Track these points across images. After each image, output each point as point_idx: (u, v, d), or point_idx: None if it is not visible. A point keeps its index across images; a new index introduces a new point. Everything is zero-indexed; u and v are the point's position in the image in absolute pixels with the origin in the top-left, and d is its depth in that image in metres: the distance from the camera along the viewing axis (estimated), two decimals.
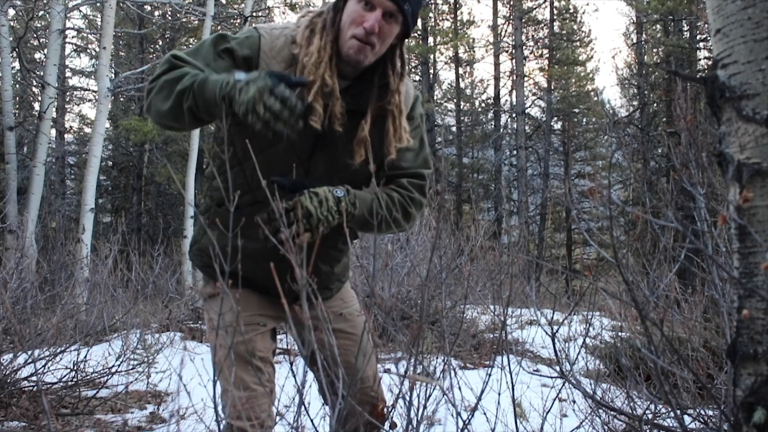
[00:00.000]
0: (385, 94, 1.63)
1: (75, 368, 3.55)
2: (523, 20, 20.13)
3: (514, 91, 19.79)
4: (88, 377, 3.64)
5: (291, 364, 1.56)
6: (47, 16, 10.72)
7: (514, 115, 19.67)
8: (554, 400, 2.07)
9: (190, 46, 16.08)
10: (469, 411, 1.64)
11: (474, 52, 21.46)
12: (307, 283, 1.15)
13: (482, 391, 1.64)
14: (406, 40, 1.66)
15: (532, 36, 21.39)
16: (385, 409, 1.75)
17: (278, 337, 2.49)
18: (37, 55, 16.69)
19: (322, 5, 1.67)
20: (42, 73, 9.75)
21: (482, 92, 22.36)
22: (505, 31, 20.44)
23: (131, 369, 3.83)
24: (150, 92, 1.51)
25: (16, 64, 11.73)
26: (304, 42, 1.56)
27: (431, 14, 20.36)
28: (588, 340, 4.05)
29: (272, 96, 1.32)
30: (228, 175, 1.36)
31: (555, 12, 20.83)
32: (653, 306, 2.43)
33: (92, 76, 18.12)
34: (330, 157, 1.62)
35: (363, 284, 5.04)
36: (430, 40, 19.95)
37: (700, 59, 17.06)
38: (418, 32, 20.57)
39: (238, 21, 11.39)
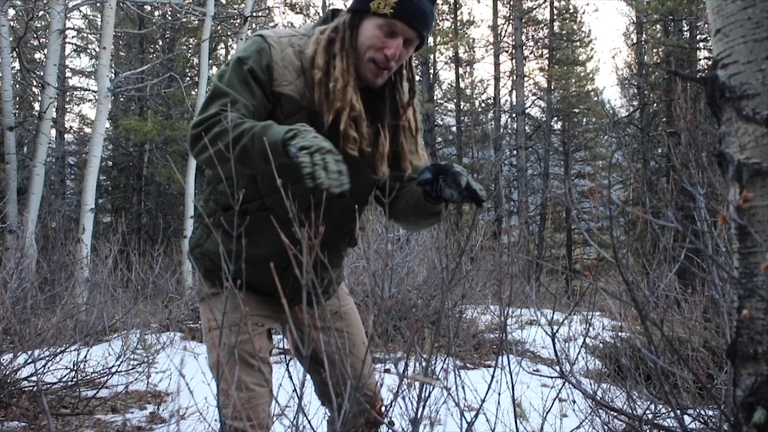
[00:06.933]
0: (396, 110, 1.62)
1: (75, 368, 3.54)
2: (523, 20, 20.10)
3: (514, 91, 19.78)
4: (88, 377, 3.64)
5: (287, 364, 1.55)
6: (47, 16, 10.71)
7: (514, 115, 19.66)
8: (554, 400, 2.07)
9: (191, 44, 16.11)
10: (470, 411, 1.64)
11: (474, 52, 21.45)
12: (311, 286, 1.15)
13: (486, 393, 1.63)
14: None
15: (532, 36, 21.37)
16: (383, 408, 1.75)
17: (277, 336, 2.48)
18: (37, 55, 16.67)
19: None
20: (42, 73, 9.74)
21: (482, 92, 22.37)
22: (505, 31, 20.43)
23: (131, 369, 3.82)
24: (206, 131, 1.45)
25: (16, 64, 11.72)
26: (323, 63, 1.53)
27: None
28: (588, 340, 4.05)
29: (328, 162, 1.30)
30: (234, 180, 1.34)
31: (555, 12, 20.81)
32: (653, 306, 2.43)
33: (92, 76, 18.11)
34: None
35: (363, 284, 5.03)
36: (430, 40, 19.94)
37: (700, 59, 17.05)
38: None
39: (238, 21, 11.37)
